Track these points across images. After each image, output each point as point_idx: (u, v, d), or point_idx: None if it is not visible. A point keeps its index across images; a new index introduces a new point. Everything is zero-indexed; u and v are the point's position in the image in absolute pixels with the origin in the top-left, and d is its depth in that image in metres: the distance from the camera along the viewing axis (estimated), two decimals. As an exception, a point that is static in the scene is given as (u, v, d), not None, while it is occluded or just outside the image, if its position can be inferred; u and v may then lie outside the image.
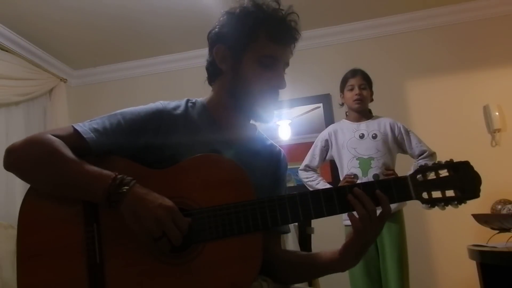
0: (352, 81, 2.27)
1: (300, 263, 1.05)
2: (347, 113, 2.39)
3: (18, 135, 2.95)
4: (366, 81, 2.28)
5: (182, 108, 1.05)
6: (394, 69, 3.13)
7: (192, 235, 0.88)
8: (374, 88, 2.35)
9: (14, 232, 2.74)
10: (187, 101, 1.08)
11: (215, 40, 1.05)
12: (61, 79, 3.36)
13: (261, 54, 1.00)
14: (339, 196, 0.91)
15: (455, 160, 0.93)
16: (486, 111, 2.92)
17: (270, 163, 1.12)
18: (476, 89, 2.99)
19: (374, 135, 2.22)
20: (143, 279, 0.87)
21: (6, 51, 2.92)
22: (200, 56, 3.44)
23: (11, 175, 2.89)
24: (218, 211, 0.90)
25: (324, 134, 2.37)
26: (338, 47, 3.24)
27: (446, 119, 2.99)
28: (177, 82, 3.43)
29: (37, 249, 0.89)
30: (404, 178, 0.92)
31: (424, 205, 0.92)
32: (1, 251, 2.52)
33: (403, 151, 2.26)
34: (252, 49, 1.00)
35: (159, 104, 1.04)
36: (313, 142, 2.41)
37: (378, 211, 0.90)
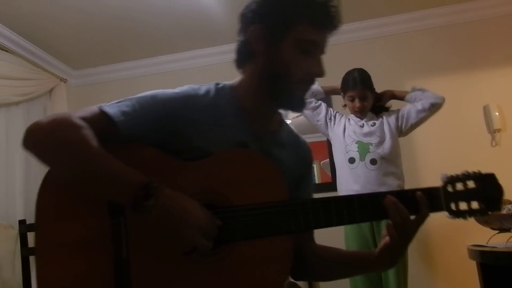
0: (351, 93, 2.30)
1: (339, 261, 1.03)
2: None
3: (18, 135, 2.95)
4: (366, 89, 2.30)
5: (212, 94, 0.98)
6: (394, 69, 3.12)
7: (223, 234, 0.85)
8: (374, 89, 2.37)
9: (14, 232, 2.75)
10: (216, 85, 1.01)
11: (251, 19, 0.96)
12: (61, 79, 3.36)
13: (301, 39, 0.93)
14: (373, 203, 0.89)
15: (481, 171, 0.93)
16: (486, 111, 2.92)
17: (297, 156, 1.07)
18: (476, 89, 2.99)
19: (373, 123, 2.30)
20: (170, 276, 0.84)
21: (6, 51, 2.91)
22: (201, 56, 3.48)
23: (11, 175, 2.89)
24: (250, 210, 0.87)
25: (333, 111, 2.45)
26: (338, 47, 3.23)
27: (446, 119, 2.98)
28: (177, 82, 3.40)
29: (58, 240, 0.84)
30: (436, 189, 0.92)
31: (450, 216, 0.92)
32: (1, 251, 2.52)
33: (410, 118, 2.29)
34: (292, 32, 0.93)
35: (190, 89, 0.98)
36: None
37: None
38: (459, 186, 0.92)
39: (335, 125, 2.37)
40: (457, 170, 0.94)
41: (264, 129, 1.01)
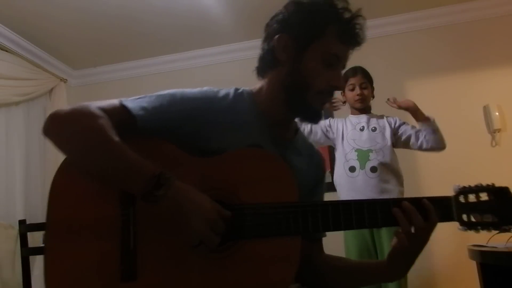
0: (352, 80, 2.29)
1: (351, 270, 1.04)
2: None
3: (18, 135, 2.95)
4: (366, 79, 2.30)
5: (231, 97, 1.00)
6: (394, 69, 3.13)
7: (232, 232, 0.85)
8: (373, 88, 2.37)
9: (14, 232, 2.74)
10: (236, 90, 1.02)
11: (278, 29, 0.99)
12: (61, 79, 3.36)
13: (326, 51, 0.95)
14: (383, 209, 0.89)
15: (495, 184, 0.92)
16: (486, 111, 2.92)
17: (310, 165, 1.09)
18: (476, 89, 2.99)
19: (373, 128, 2.26)
20: (176, 269, 0.84)
21: (6, 51, 2.92)
22: (201, 56, 3.48)
23: (11, 175, 2.89)
24: (259, 209, 0.88)
25: (326, 121, 2.40)
26: (338, 47, 3.24)
27: (446, 119, 2.98)
28: (177, 82, 3.42)
29: (68, 225, 0.85)
30: (448, 198, 0.92)
31: (461, 227, 0.91)
32: (1, 251, 2.52)
33: (404, 143, 2.26)
34: (317, 44, 0.95)
35: (209, 91, 0.99)
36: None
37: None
38: (472, 197, 0.91)
39: (333, 133, 2.34)
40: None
41: (280, 136, 1.03)
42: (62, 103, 3.29)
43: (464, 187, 0.92)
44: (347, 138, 2.27)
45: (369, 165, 2.16)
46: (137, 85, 3.54)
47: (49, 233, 0.86)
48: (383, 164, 2.15)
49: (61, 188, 0.88)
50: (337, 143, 2.32)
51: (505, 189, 0.91)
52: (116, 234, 0.85)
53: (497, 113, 2.88)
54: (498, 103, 2.91)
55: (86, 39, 3.16)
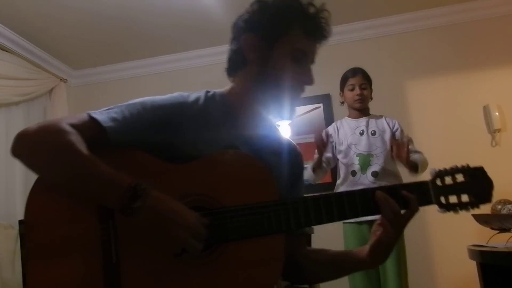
0: (352, 81, 2.29)
1: (330, 262, 1.05)
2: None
3: (18, 135, 2.95)
4: (366, 80, 2.30)
5: (202, 101, 0.99)
6: (394, 69, 3.13)
7: (213, 236, 0.85)
8: (373, 88, 2.36)
9: (14, 232, 2.74)
10: (206, 92, 1.02)
11: (244, 28, 1.00)
12: (61, 79, 3.36)
13: (294, 48, 0.97)
14: (363, 199, 0.91)
15: (469, 165, 0.95)
16: (486, 111, 2.92)
17: (287, 161, 1.09)
18: (476, 89, 2.99)
19: (373, 131, 2.25)
20: (160, 279, 0.84)
21: (6, 51, 2.92)
22: (201, 56, 3.49)
23: (11, 175, 2.89)
24: (240, 211, 0.88)
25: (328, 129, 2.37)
26: (338, 47, 3.23)
27: (446, 119, 2.99)
28: (177, 82, 3.44)
29: (48, 246, 0.84)
30: (425, 183, 0.94)
31: (440, 210, 0.94)
32: (1, 251, 2.52)
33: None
34: (284, 41, 0.97)
35: (179, 97, 0.99)
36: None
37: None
38: (448, 180, 0.93)
39: (336, 143, 2.33)
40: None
41: (256, 133, 1.03)
42: (62, 103, 3.30)
43: (440, 170, 0.95)
44: (348, 143, 2.26)
45: (370, 169, 2.16)
46: (137, 85, 3.54)
47: (28, 253, 0.84)
48: (384, 169, 2.15)
49: (37, 207, 0.86)
50: (338, 149, 2.31)
51: (480, 168, 0.94)
52: (98, 249, 0.84)
53: (497, 113, 2.88)
54: (498, 103, 2.91)
55: (86, 39, 3.16)
